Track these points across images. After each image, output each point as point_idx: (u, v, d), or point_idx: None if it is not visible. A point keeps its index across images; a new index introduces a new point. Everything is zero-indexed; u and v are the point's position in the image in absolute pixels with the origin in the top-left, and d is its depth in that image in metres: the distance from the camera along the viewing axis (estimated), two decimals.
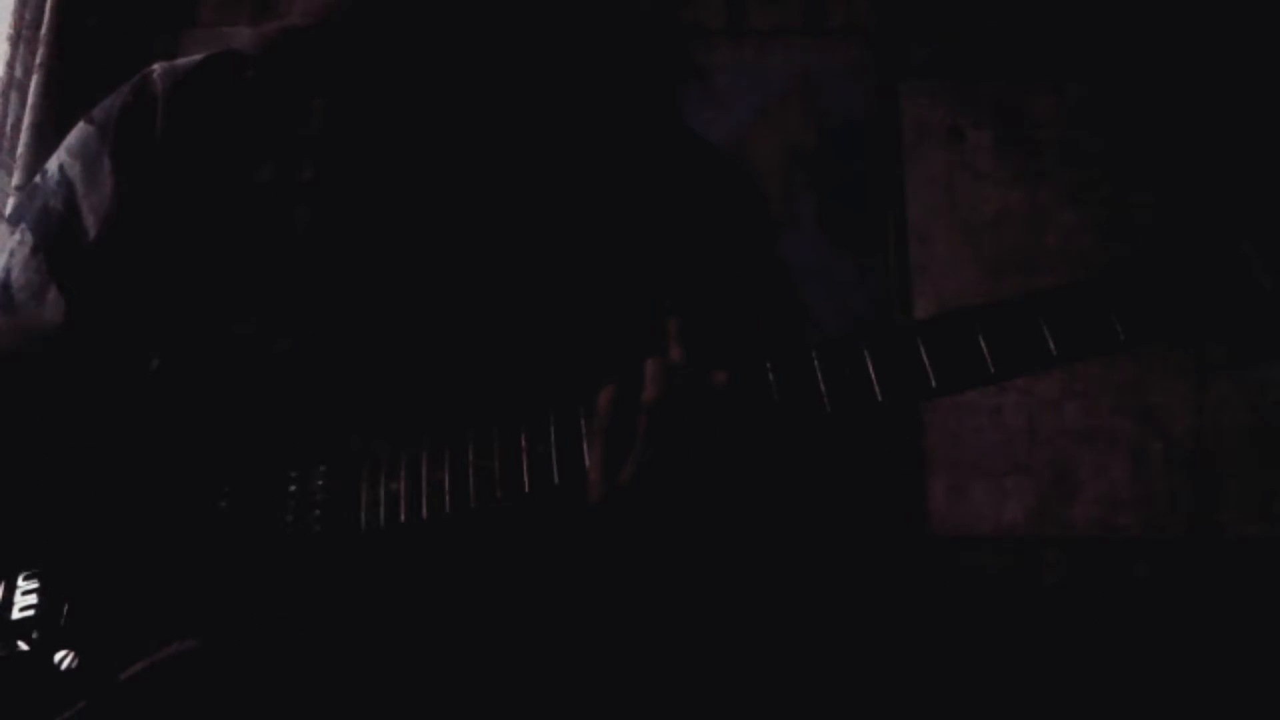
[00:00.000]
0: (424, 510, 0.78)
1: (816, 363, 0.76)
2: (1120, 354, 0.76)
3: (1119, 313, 0.73)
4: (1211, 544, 1.84)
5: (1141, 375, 1.88)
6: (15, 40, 1.97)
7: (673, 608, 0.87)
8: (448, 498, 0.78)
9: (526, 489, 0.78)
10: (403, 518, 0.78)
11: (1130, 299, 0.73)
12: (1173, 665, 1.75)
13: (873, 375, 0.76)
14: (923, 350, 0.76)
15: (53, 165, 0.93)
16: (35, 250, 0.90)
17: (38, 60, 1.94)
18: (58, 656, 0.77)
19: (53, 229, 0.90)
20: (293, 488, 0.80)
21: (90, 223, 0.89)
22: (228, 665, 0.76)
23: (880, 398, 0.75)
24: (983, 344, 0.75)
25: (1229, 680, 1.73)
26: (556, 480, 0.77)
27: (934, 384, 0.75)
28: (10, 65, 1.96)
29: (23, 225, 0.92)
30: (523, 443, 0.78)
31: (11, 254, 0.91)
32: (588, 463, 0.76)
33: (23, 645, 0.78)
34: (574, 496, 0.77)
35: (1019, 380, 1.92)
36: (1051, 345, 0.73)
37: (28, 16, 1.97)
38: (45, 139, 1.85)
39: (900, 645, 1.74)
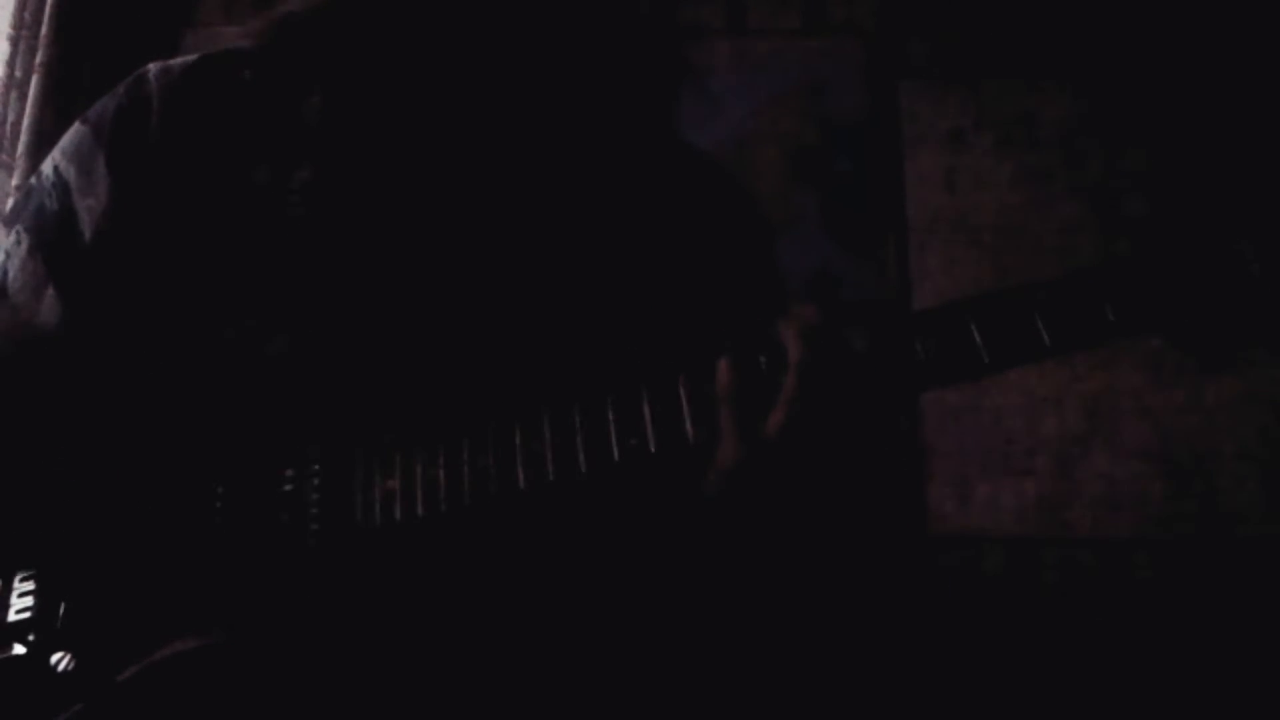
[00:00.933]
0: (420, 508, 0.78)
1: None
2: (1116, 347, 0.76)
3: (1113, 304, 0.73)
4: (1211, 544, 1.83)
5: (1141, 375, 1.88)
6: (15, 40, 1.97)
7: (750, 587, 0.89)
8: (443, 493, 0.79)
9: (551, 478, 0.78)
10: (399, 516, 0.79)
11: (1125, 290, 0.73)
12: (1172, 666, 1.75)
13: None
14: (918, 342, 0.76)
15: (48, 167, 0.93)
16: (32, 251, 0.90)
17: (38, 60, 1.93)
18: (54, 658, 0.77)
19: (49, 230, 0.90)
20: (288, 487, 0.80)
21: (86, 224, 0.89)
22: (225, 665, 0.76)
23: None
24: (976, 335, 0.75)
25: (1230, 680, 1.73)
26: (583, 469, 0.78)
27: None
28: (10, 65, 1.96)
29: (19, 226, 0.92)
30: (547, 433, 0.79)
31: (8, 255, 0.91)
32: (722, 426, 0.76)
33: (19, 648, 0.78)
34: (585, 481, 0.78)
35: (1019, 380, 1.92)
36: (1045, 336, 0.74)
37: (28, 16, 1.97)
38: (45, 139, 1.85)
39: (900, 645, 1.74)
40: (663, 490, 0.83)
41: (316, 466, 0.81)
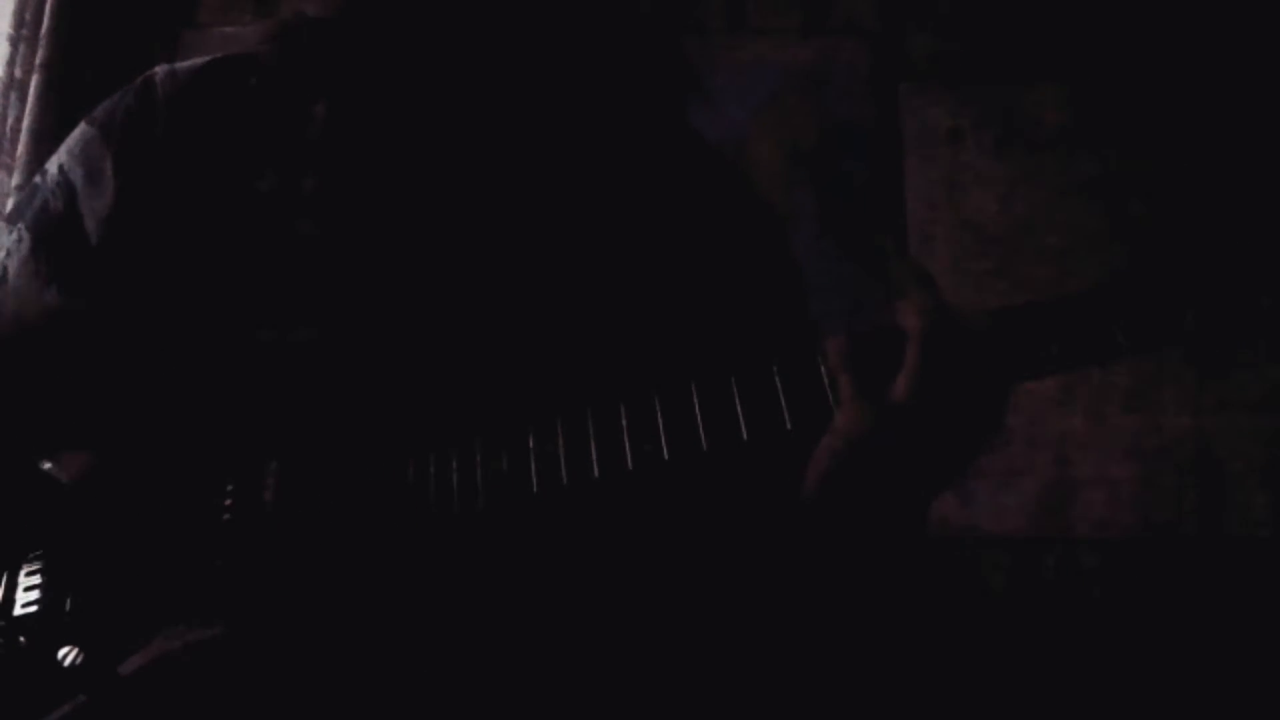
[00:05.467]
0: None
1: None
2: (1120, 362, 0.78)
3: (1121, 323, 0.74)
4: (1213, 544, 1.84)
5: (1142, 375, 1.88)
6: (15, 40, 1.96)
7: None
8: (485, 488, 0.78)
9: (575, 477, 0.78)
10: (413, 513, 0.79)
11: (1132, 310, 0.74)
12: (1173, 666, 1.75)
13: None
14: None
15: (53, 166, 0.93)
16: (34, 250, 0.90)
17: (38, 60, 1.93)
18: (61, 652, 0.77)
19: (52, 229, 0.90)
20: (297, 484, 0.80)
21: (91, 225, 0.89)
22: (227, 659, 0.77)
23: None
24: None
25: (1230, 680, 1.73)
26: (601, 469, 0.77)
27: None
28: (10, 65, 1.95)
29: (21, 225, 0.92)
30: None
31: (9, 253, 0.91)
32: (842, 395, 0.75)
33: (24, 641, 0.78)
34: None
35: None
36: (1055, 349, 0.76)
37: (28, 16, 1.97)
38: (45, 139, 1.85)
39: (900, 644, 1.74)
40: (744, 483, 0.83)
41: (329, 466, 0.81)
